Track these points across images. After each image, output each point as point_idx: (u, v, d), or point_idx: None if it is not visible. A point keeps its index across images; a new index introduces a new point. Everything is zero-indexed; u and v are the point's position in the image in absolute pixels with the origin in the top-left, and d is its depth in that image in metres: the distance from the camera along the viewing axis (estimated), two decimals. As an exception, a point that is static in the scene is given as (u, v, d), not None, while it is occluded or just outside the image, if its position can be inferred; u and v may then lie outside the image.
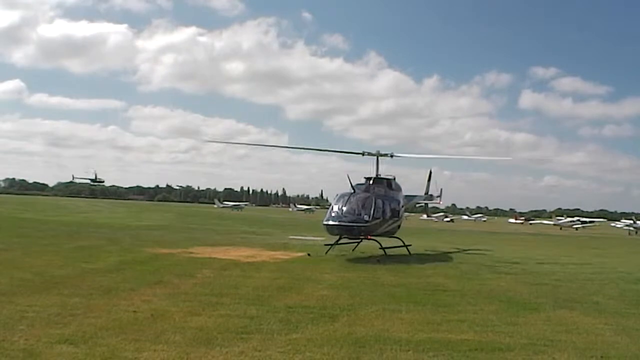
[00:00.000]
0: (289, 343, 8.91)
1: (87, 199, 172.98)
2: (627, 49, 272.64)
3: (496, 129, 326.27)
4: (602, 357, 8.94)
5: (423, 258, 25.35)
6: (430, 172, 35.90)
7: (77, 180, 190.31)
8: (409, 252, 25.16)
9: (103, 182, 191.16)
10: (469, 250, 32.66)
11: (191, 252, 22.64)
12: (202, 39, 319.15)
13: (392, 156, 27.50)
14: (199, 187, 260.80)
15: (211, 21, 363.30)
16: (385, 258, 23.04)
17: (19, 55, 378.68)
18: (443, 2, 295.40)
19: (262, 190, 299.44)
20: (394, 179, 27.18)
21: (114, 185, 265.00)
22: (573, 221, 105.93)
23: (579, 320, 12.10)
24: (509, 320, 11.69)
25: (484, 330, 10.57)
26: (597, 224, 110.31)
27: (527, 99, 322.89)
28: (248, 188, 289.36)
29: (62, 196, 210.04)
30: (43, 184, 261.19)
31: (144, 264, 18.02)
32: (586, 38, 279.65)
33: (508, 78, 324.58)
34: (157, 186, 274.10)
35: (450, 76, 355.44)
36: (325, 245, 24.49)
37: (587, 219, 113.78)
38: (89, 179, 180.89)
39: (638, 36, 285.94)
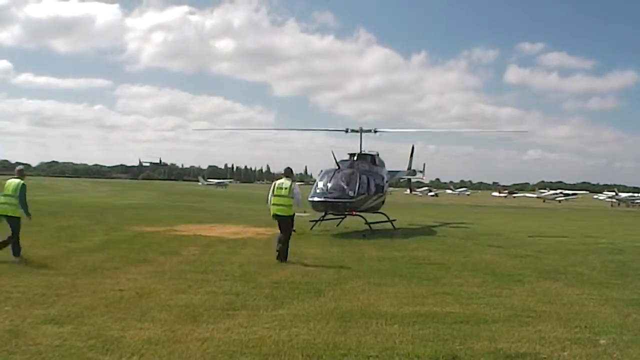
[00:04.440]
0: (275, 319, 8.92)
1: (70, 179, 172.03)
2: (613, 24, 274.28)
3: (482, 103, 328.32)
4: (586, 327, 9.04)
5: (407, 232, 25.50)
6: (413, 148, 36.12)
7: (144, 164, 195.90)
8: (394, 227, 25.29)
9: (167, 165, 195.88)
10: (453, 223, 32.89)
11: (176, 230, 22.59)
12: (193, 17, 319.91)
13: (375, 131, 27.55)
14: (182, 165, 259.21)
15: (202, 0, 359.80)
16: (370, 233, 23.14)
17: (6, 35, 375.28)
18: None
19: (246, 167, 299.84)
20: (378, 154, 27.32)
21: (97, 164, 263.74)
22: (556, 194, 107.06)
23: (562, 291, 12.22)
24: (493, 292, 11.78)
25: (468, 302, 10.63)
26: (580, 196, 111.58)
27: (513, 73, 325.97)
28: (232, 165, 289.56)
29: (45, 176, 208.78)
30: (26, 164, 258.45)
31: (129, 243, 17.96)
32: (572, 13, 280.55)
33: (495, 53, 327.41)
34: (141, 164, 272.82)
35: (438, 52, 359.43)
36: (311, 221, 24.53)
37: (570, 192, 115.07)
38: (155, 163, 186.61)
39: (623, 11, 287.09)
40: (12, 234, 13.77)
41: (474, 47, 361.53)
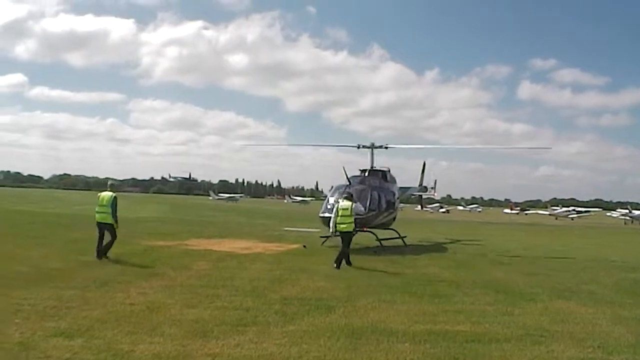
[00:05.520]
0: (285, 335, 8.89)
1: (82, 192, 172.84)
2: (626, 41, 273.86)
3: (494, 119, 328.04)
4: (599, 346, 8.95)
5: (418, 249, 25.38)
6: (424, 164, 36.12)
7: (172, 179, 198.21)
8: (405, 244, 25.21)
9: (196, 180, 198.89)
10: (464, 240, 32.72)
11: (187, 244, 22.59)
12: (207, 32, 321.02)
13: (386, 147, 27.53)
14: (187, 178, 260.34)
15: (217, 15, 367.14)
16: (381, 249, 23.06)
17: (22, 49, 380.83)
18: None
19: (257, 181, 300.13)
20: (389, 170, 27.29)
21: (108, 178, 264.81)
22: (568, 211, 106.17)
23: (575, 310, 12.11)
24: (505, 310, 11.70)
25: (480, 321, 10.56)
26: (593, 213, 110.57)
27: (526, 90, 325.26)
28: (243, 180, 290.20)
29: (57, 188, 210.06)
30: (38, 177, 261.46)
31: (140, 257, 17.95)
32: (586, 30, 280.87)
33: (507, 70, 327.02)
34: (152, 178, 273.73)
35: (451, 68, 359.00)
36: (321, 237, 24.49)
37: (583, 209, 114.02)
38: (184, 178, 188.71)
39: (637, 28, 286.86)
40: (111, 236, 16.75)
41: (486, 64, 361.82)
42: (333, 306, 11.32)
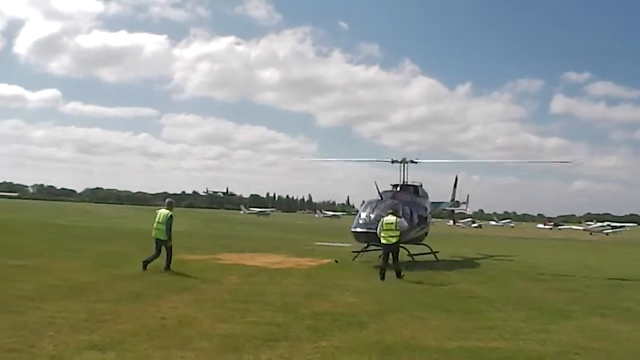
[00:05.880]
0: (317, 350, 8.83)
1: (113, 205, 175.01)
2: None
3: (527, 133, 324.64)
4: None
5: (450, 264, 25.14)
6: (456, 179, 35.97)
7: (208, 194, 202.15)
8: (437, 259, 24.98)
9: (234, 195, 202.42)
10: (496, 256, 32.33)
11: (218, 258, 22.67)
12: (239, 47, 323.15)
13: (415, 162, 27.33)
14: (225, 193, 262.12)
15: (249, 30, 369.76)
16: (412, 265, 22.88)
17: (56, 65, 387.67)
18: (478, 10, 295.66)
19: (287, 196, 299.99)
20: (421, 185, 27.15)
21: (140, 192, 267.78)
22: (603, 226, 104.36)
23: (611, 327, 11.88)
24: (539, 327, 11.49)
25: (514, 338, 10.39)
26: (628, 228, 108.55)
27: (559, 103, 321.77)
28: (274, 194, 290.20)
29: (89, 202, 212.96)
30: (71, 190, 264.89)
31: (171, 270, 18.04)
32: (619, 43, 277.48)
33: (540, 83, 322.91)
34: (184, 192, 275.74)
35: (483, 82, 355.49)
36: (353, 252, 24.41)
37: (618, 224, 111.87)
38: (222, 192, 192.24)
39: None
40: (167, 251, 17.56)
41: (519, 78, 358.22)
42: (365, 322, 11.22)
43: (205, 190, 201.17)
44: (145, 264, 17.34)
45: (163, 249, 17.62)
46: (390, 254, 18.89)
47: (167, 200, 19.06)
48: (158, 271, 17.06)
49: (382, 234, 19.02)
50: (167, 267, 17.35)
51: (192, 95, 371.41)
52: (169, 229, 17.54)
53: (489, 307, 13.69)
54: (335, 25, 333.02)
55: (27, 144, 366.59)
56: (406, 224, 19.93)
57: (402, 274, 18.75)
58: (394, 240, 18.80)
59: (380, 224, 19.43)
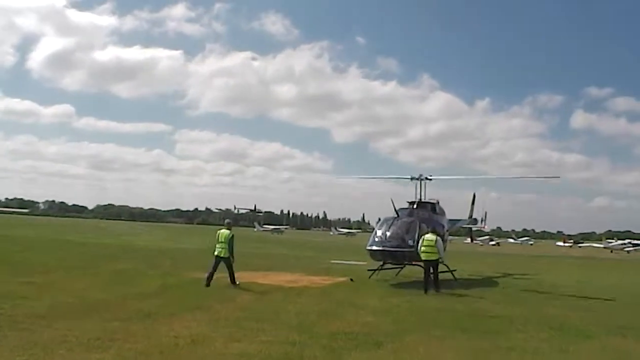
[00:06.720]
0: (332, 371, 8.59)
1: (126, 222, 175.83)
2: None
3: (547, 149, 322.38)
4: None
5: (468, 283, 24.83)
6: (474, 196, 35.81)
7: (239, 211, 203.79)
8: (454, 277, 24.63)
9: (261, 212, 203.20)
10: (515, 274, 31.96)
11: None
12: (255, 63, 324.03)
13: (430, 179, 27.09)
14: (238, 210, 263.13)
15: (265, 46, 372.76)
16: (429, 283, 22.56)
17: (70, 80, 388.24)
18: (496, 25, 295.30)
19: (302, 213, 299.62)
20: (438, 202, 26.90)
21: (152, 208, 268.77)
22: (624, 244, 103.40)
23: (633, 347, 11.70)
24: (560, 347, 11.26)
25: (534, 358, 10.17)
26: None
27: (580, 119, 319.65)
28: (288, 211, 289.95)
29: (101, 218, 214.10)
30: (82, 207, 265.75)
31: (184, 289, 17.92)
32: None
33: (560, 99, 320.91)
34: (197, 209, 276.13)
35: (503, 98, 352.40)
36: (369, 270, 24.16)
37: (639, 242, 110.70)
38: (249, 209, 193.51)
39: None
40: (228, 268, 19.00)
41: (538, 93, 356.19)
42: (381, 341, 11.00)
43: (234, 207, 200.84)
44: (209, 280, 18.61)
45: (222, 265, 18.93)
46: (431, 267, 20.38)
47: (226, 221, 20.85)
48: (170, 290, 16.90)
49: (421, 249, 20.47)
50: (232, 281, 18.92)
51: (206, 111, 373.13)
52: (231, 248, 18.94)
53: (509, 327, 13.42)
54: (353, 40, 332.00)
55: (40, 159, 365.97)
56: (441, 246, 21.00)
57: (438, 288, 20.21)
58: (433, 257, 20.30)
59: (421, 240, 20.80)
